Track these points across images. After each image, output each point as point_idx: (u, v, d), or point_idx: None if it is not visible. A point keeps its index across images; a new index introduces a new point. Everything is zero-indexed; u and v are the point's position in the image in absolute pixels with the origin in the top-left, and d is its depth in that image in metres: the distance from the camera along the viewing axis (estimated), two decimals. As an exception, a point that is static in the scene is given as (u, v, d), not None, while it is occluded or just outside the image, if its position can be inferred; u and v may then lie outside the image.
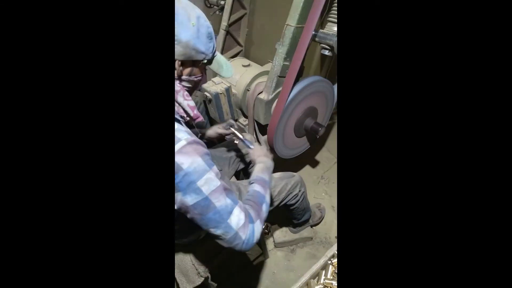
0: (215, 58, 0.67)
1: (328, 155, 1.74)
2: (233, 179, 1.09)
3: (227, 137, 1.02)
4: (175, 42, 0.55)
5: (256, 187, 0.68)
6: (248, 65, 1.25)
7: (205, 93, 1.19)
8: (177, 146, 0.52)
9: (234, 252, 0.61)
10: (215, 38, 1.30)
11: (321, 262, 0.84)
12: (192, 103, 0.63)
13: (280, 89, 1.03)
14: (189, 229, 0.79)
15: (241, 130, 1.29)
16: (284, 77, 0.98)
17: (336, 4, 0.96)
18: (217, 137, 1.03)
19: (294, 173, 1.04)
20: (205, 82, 1.26)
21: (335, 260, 0.86)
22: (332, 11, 0.97)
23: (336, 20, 0.95)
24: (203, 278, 0.90)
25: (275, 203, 0.96)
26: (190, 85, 0.65)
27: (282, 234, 1.29)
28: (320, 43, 0.96)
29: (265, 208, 0.65)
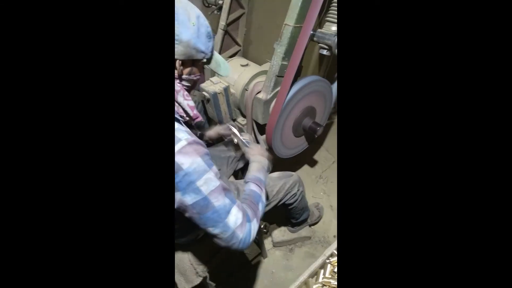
0: (213, 57, 0.67)
1: (327, 154, 1.74)
2: (232, 178, 1.09)
3: (226, 137, 1.03)
4: (176, 42, 0.55)
5: (252, 186, 0.69)
6: (247, 65, 1.25)
7: (203, 92, 1.18)
8: (177, 146, 0.52)
9: (232, 251, 0.62)
10: (214, 37, 1.30)
11: (319, 261, 0.84)
12: (191, 103, 0.63)
13: (278, 88, 1.03)
14: (187, 229, 0.79)
15: (240, 130, 1.29)
16: (283, 76, 0.98)
17: (334, 4, 0.96)
18: (218, 138, 1.04)
19: (293, 173, 1.04)
20: (203, 81, 1.26)
21: (333, 259, 0.86)
22: (330, 11, 0.97)
23: (334, 20, 0.95)
24: (201, 278, 0.90)
25: (274, 203, 0.96)
26: (189, 84, 0.65)
27: (280, 233, 1.29)
28: (318, 43, 0.97)
29: (261, 207, 0.66)
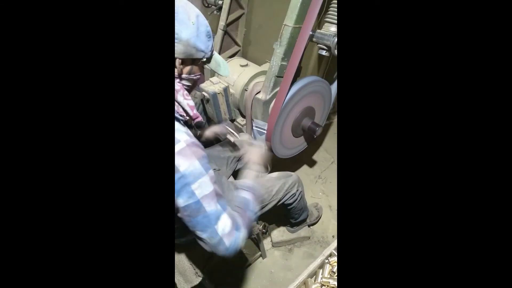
0: (213, 56, 0.67)
1: (325, 155, 1.74)
2: (231, 178, 1.10)
3: (222, 136, 1.03)
4: (176, 41, 0.55)
5: (245, 194, 0.69)
6: (246, 65, 1.25)
7: (203, 92, 1.19)
8: (176, 148, 0.52)
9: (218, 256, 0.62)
10: (213, 37, 1.30)
11: (318, 261, 0.85)
12: (191, 103, 0.63)
13: (277, 89, 1.03)
14: (186, 229, 0.79)
15: (239, 130, 1.29)
16: (282, 77, 0.98)
17: (333, 5, 0.96)
18: (215, 138, 1.04)
19: (292, 173, 1.04)
20: (203, 81, 1.26)
21: (332, 259, 0.86)
22: (330, 12, 0.97)
23: (333, 21, 0.96)
24: (200, 278, 0.90)
25: (273, 203, 0.96)
26: (189, 84, 0.65)
27: (279, 233, 1.30)
28: (318, 44, 0.97)
29: (251, 216, 0.66)
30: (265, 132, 0.89)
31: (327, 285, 0.81)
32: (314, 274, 0.85)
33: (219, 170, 1.02)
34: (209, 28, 0.62)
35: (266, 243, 1.29)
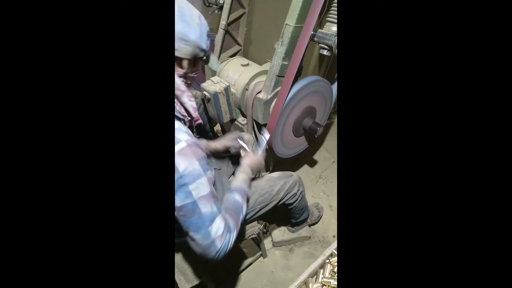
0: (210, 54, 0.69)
1: (326, 154, 1.74)
2: (232, 178, 1.10)
3: (233, 149, 0.99)
4: (185, 43, 0.56)
5: (237, 197, 0.69)
6: (247, 65, 1.25)
7: (204, 92, 1.18)
8: (176, 147, 0.52)
9: (232, 251, 0.62)
10: (214, 37, 1.30)
11: (319, 261, 0.85)
12: (194, 105, 0.64)
13: (278, 88, 1.03)
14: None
15: (240, 130, 1.29)
16: (283, 76, 0.98)
17: (334, 4, 0.96)
18: (225, 150, 0.99)
19: (293, 173, 1.04)
20: (204, 80, 1.26)
21: (333, 259, 0.86)
22: (331, 11, 0.97)
23: (334, 20, 0.95)
24: (201, 277, 0.90)
25: (274, 202, 0.96)
26: (189, 82, 0.66)
27: (280, 233, 1.29)
28: (319, 43, 0.97)
29: (242, 218, 0.67)
30: (266, 140, 0.90)
31: (328, 285, 0.81)
32: (315, 274, 0.85)
33: (220, 169, 1.02)
34: (208, 27, 0.64)
35: (267, 242, 1.29)
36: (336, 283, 0.80)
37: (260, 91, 1.08)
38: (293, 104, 1.04)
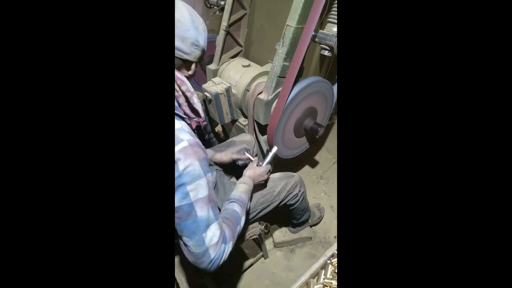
0: None
1: (327, 155, 1.74)
2: (233, 179, 1.10)
3: (240, 162, 0.98)
4: (196, 47, 0.60)
5: (236, 207, 0.68)
6: (248, 65, 1.25)
7: (205, 93, 1.19)
8: (178, 146, 0.52)
9: (233, 252, 0.61)
10: (215, 38, 1.30)
11: (320, 261, 0.85)
12: (201, 107, 0.65)
13: (280, 89, 1.03)
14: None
15: (241, 130, 1.29)
16: (284, 77, 0.98)
17: (335, 5, 0.96)
18: (231, 162, 0.98)
19: (294, 173, 1.04)
20: (204, 80, 1.26)
21: (334, 260, 0.86)
22: (332, 12, 0.97)
23: (335, 21, 0.96)
24: (202, 278, 0.90)
25: (275, 203, 0.96)
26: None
27: (281, 234, 1.29)
28: (320, 44, 0.97)
29: (239, 230, 0.65)
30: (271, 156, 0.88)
31: (330, 286, 0.81)
32: (316, 275, 0.85)
33: (221, 170, 1.02)
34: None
35: (268, 243, 1.29)
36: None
37: (261, 92, 1.09)
38: (294, 105, 1.04)
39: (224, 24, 1.25)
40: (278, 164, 1.48)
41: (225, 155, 0.96)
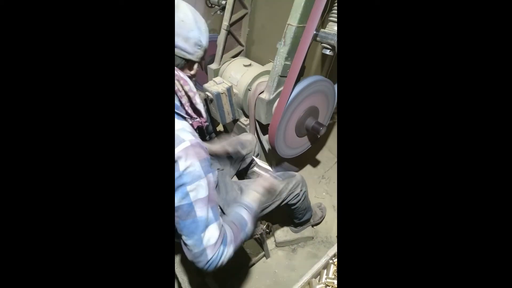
0: None
1: (329, 154, 1.74)
2: (235, 178, 1.10)
3: (234, 156, 1.00)
4: (199, 47, 0.61)
5: (244, 214, 0.67)
6: (249, 65, 1.25)
7: (207, 93, 1.19)
8: (180, 147, 0.52)
9: (235, 251, 0.61)
10: (216, 38, 1.30)
11: (322, 261, 0.84)
12: (203, 107, 0.65)
13: (281, 88, 1.03)
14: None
15: (242, 130, 1.29)
16: (285, 76, 0.98)
17: (337, 4, 0.96)
18: (225, 154, 1.00)
19: (296, 173, 1.04)
20: (206, 80, 1.26)
21: (336, 260, 0.86)
22: (333, 11, 0.97)
23: (337, 20, 0.95)
24: (204, 278, 0.90)
25: (277, 203, 0.96)
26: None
27: (283, 233, 1.29)
28: (321, 43, 0.97)
29: (243, 237, 0.64)
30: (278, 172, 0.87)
31: (332, 286, 0.81)
32: (318, 275, 0.85)
33: (222, 169, 1.02)
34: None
35: (270, 243, 1.29)
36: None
37: (263, 91, 1.08)
38: (296, 104, 1.04)
39: (225, 23, 1.25)
40: (280, 164, 1.48)
41: (219, 147, 0.97)
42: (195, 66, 0.65)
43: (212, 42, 1.16)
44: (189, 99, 0.62)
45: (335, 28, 0.96)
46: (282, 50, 0.95)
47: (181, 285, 0.89)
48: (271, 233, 1.31)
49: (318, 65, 1.31)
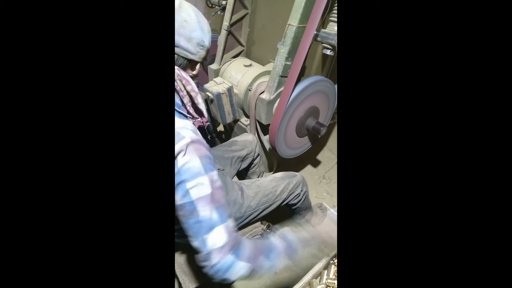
0: None
1: (330, 154, 1.73)
2: (235, 178, 1.10)
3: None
4: (201, 48, 0.61)
5: (278, 243, 0.60)
6: (250, 65, 1.25)
7: (207, 93, 1.19)
8: (179, 144, 0.51)
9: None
10: (217, 38, 1.30)
11: (323, 262, 0.84)
12: (205, 107, 0.65)
13: (281, 89, 1.03)
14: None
15: (243, 130, 1.29)
16: (286, 76, 0.98)
17: (337, 3, 0.96)
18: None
19: (296, 173, 1.04)
20: (206, 80, 1.26)
21: (337, 260, 0.85)
22: (334, 11, 0.97)
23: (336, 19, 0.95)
24: (205, 278, 0.90)
25: (277, 203, 0.96)
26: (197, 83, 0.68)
27: (272, 233, 1.29)
28: (322, 43, 0.96)
29: (266, 266, 0.57)
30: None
31: (332, 286, 0.81)
32: (319, 275, 0.85)
33: (223, 170, 1.02)
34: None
35: (270, 243, 1.28)
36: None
37: (263, 92, 1.08)
38: (296, 105, 1.04)
39: (225, 23, 1.25)
40: (280, 164, 1.48)
41: None
42: (197, 66, 0.66)
43: (213, 42, 1.16)
44: (191, 99, 0.63)
45: (336, 28, 0.95)
46: (283, 50, 0.95)
47: (181, 285, 0.89)
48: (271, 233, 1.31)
49: (318, 65, 1.31)
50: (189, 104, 0.63)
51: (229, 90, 1.18)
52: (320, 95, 1.12)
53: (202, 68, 0.70)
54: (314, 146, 1.33)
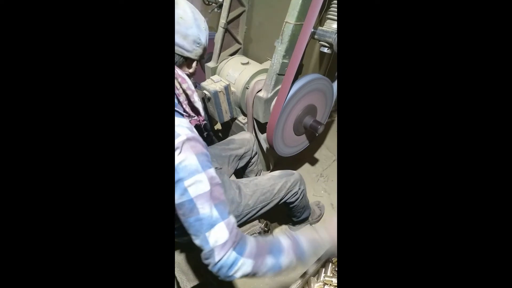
0: None
1: (327, 153, 1.74)
2: (233, 177, 1.09)
3: None
4: (198, 45, 0.61)
5: (284, 242, 0.59)
6: (247, 63, 1.24)
7: (204, 91, 1.18)
8: (175, 141, 0.51)
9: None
10: (214, 36, 1.29)
11: (321, 260, 0.84)
12: (201, 105, 0.65)
13: (279, 87, 1.02)
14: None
15: (240, 129, 1.29)
16: (283, 75, 0.98)
17: (334, 2, 0.96)
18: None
19: (294, 171, 1.04)
20: (203, 78, 1.26)
21: (334, 258, 0.86)
22: (331, 9, 0.96)
23: (334, 18, 0.95)
24: (203, 277, 0.90)
25: (275, 201, 0.96)
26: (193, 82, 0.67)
27: (281, 232, 1.30)
28: (319, 41, 0.96)
29: (271, 264, 0.56)
30: None
31: (330, 284, 0.81)
32: (316, 273, 0.85)
33: (220, 168, 1.01)
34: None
35: (268, 241, 1.29)
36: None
37: (261, 90, 1.08)
38: (294, 103, 1.04)
39: (222, 21, 1.24)
40: (278, 162, 1.48)
41: None
42: (194, 64, 0.65)
43: (210, 40, 1.16)
44: (187, 97, 0.62)
45: (333, 26, 0.95)
46: (280, 48, 0.94)
47: (179, 284, 0.89)
48: (269, 231, 1.31)
49: (316, 63, 1.31)
50: (185, 102, 0.62)
51: (226, 88, 1.17)
52: (317, 93, 1.12)
53: (200, 66, 0.70)
54: (312, 144, 1.34)
